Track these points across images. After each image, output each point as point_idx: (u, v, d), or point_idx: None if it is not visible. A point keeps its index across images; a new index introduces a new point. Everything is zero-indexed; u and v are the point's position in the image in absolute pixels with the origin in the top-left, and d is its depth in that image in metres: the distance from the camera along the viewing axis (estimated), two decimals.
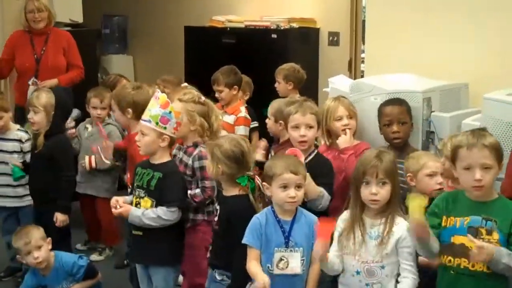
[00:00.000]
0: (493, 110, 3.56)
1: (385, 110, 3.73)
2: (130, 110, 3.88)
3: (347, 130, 3.72)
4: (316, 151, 3.45)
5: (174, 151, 3.64)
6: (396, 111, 3.70)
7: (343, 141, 3.68)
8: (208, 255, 3.22)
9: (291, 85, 5.18)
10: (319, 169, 3.26)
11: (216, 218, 3.15)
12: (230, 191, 3.11)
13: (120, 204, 3.37)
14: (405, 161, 3.26)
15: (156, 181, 3.32)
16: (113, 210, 3.38)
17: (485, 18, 4.38)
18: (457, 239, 2.59)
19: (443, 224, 2.63)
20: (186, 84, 4.34)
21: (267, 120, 4.19)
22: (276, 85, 5.22)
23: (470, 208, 2.60)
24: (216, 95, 4.82)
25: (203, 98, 3.61)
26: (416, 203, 2.53)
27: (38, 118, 4.04)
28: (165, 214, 3.29)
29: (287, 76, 5.19)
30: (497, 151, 2.57)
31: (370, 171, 2.71)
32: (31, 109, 4.04)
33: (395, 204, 2.74)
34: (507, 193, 2.85)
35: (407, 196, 2.77)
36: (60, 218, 3.97)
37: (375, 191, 2.69)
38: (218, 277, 3.08)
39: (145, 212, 3.31)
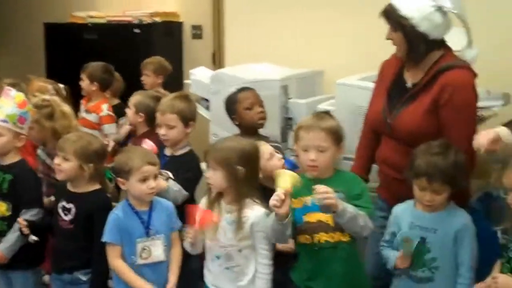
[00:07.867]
0: (346, 94, 3.70)
1: (245, 95, 3.64)
2: None
3: None
4: (190, 148, 3.38)
5: (39, 152, 3.56)
6: (255, 94, 3.66)
7: None
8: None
9: (160, 79, 5.19)
10: (185, 165, 3.27)
11: (66, 218, 3.01)
12: (87, 188, 3.04)
13: None
14: None
15: (8, 184, 3.17)
16: None
17: (339, 9, 4.58)
18: (312, 217, 2.67)
19: (293, 206, 2.64)
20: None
21: (127, 110, 4.06)
22: (144, 78, 5.19)
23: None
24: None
25: (47, 97, 3.52)
26: (287, 176, 2.53)
27: None
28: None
29: (157, 70, 5.19)
30: (334, 134, 2.67)
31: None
32: None
33: (246, 191, 2.72)
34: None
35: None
36: None
37: (208, 176, 2.74)
38: (84, 278, 3.00)
39: (7, 238, 3.15)
